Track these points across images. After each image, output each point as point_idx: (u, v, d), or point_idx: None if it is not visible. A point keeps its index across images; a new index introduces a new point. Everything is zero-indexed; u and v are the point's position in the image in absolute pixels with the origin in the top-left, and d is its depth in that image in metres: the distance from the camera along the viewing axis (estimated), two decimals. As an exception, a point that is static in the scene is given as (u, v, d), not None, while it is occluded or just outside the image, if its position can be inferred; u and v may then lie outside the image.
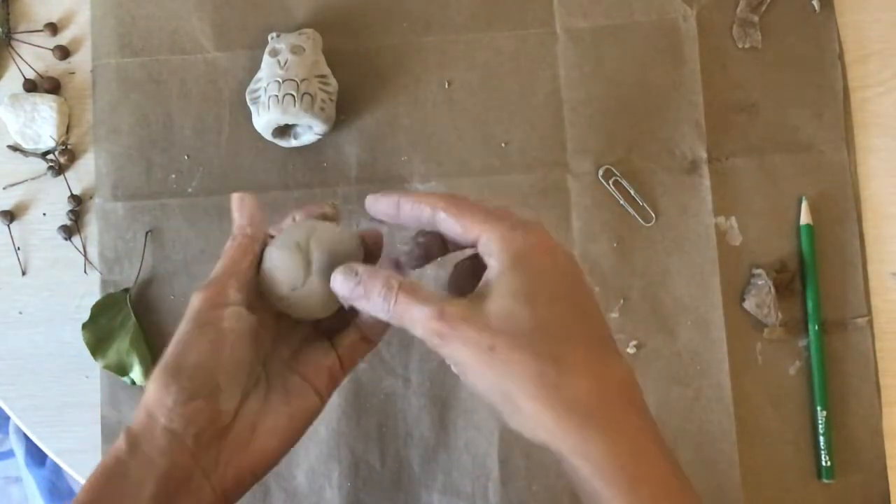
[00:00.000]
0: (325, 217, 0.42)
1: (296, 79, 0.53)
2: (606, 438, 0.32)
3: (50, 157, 0.59)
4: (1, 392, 0.57)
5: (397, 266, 0.40)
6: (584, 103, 0.58)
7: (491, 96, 0.58)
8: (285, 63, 0.54)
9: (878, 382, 0.55)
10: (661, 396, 0.55)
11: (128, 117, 0.58)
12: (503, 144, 0.58)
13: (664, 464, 0.33)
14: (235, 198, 0.42)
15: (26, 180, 0.59)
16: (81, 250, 0.58)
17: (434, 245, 0.39)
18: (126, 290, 0.57)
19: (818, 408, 0.54)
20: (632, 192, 0.57)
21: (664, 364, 0.55)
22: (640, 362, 0.56)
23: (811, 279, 0.56)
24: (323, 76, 0.55)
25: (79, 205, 0.58)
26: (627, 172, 0.57)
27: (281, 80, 0.53)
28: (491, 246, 0.35)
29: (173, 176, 0.58)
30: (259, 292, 0.39)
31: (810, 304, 0.55)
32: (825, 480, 0.54)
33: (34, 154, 0.59)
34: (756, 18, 0.58)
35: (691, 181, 0.57)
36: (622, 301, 0.56)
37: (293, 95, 0.53)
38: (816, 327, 0.55)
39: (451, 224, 0.36)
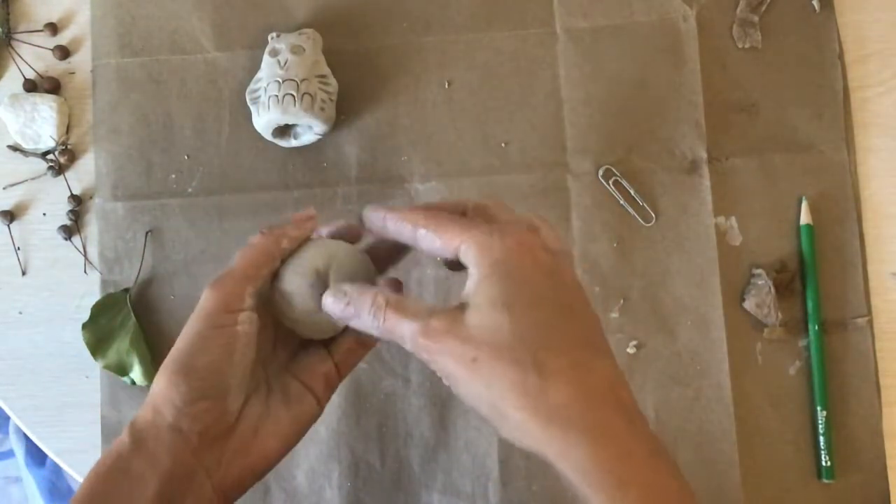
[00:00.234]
0: (351, 232, 0.42)
1: (296, 79, 0.53)
2: (591, 443, 0.31)
3: (50, 157, 0.59)
4: (1, 392, 0.57)
5: (396, 284, 0.41)
6: (584, 103, 0.58)
7: (491, 96, 0.58)
8: (285, 63, 0.54)
9: (878, 382, 0.55)
10: (661, 396, 0.55)
11: (128, 117, 0.58)
12: (503, 144, 0.58)
13: (654, 464, 0.32)
14: (297, 215, 0.41)
15: (26, 180, 0.59)
16: (81, 250, 0.58)
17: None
18: (126, 290, 0.57)
19: (818, 408, 0.54)
20: (632, 192, 0.57)
21: (664, 364, 0.55)
22: (640, 362, 0.56)
23: (811, 279, 0.56)
24: (323, 76, 0.55)
25: (79, 205, 0.58)
26: (627, 172, 0.57)
27: (281, 80, 0.53)
28: (470, 254, 0.35)
29: (173, 176, 0.58)
30: (266, 301, 0.40)
31: (810, 304, 0.55)
32: (825, 480, 0.54)
33: (34, 154, 0.59)
34: (756, 18, 0.58)
35: (691, 181, 0.57)
36: (622, 301, 0.56)
37: (293, 95, 0.53)
38: (816, 327, 0.55)
39: (431, 239, 0.36)
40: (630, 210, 0.57)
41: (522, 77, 0.58)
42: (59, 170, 0.59)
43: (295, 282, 0.39)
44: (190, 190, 0.58)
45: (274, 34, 0.57)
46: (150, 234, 0.57)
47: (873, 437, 0.55)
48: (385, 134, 0.58)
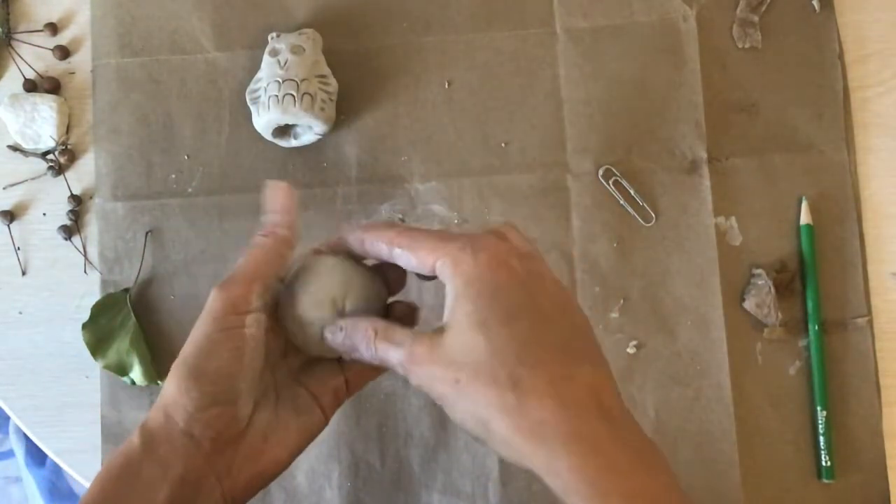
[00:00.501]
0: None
1: (296, 79, 0.53)
2: (572, 455, 0.31)
3: (50, 157, 0.59)
4: (1, 392, 0.57)
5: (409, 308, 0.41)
6: (584, 103, 0.58)
7: (491, 96, 0.58)
8: (285, 63, 0.54)
9: (878, 382, 0.55)
10: (661, 396, 0.55)
11: (128, 117, 0.58)
12: (503, 144, 0.58)
13: (639, 471, 0.32)
14: (271, 186, 0.40)
15: (26, 180, 0.59)
16: (81, 250, 0.58)
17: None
18: (126, 290, 0.57)
19: (818, 408, 0.54)
20: (632, 192, 0.57)
21: (664, 364, 0.55)
22: (640, 362, 0.56)
23: (811, 279, 0.56)
24: (323, 76, 0.55)
25: (79, 205, 0.58)
26: (627, 172, 0.57)
27: (281, 80, 0.53)
28: (445, 272, 0.35)
29: (173, 176, 0.58)
30: (278, 318, 0.39)
31: (810, 304, 0.55)
32: (825, 480, 0.54)
33: (34, 154, 0.59)
34: (756, 18, 0.58)
35: (691, 181, 0.57)
36: (622, 301, 0.56)
37: (293, 95, 0.53)
38: (816, 327, 0.55)
39: (407, 258, 0.36)
40: (630, 210, 0.57)
41: (522, 77, 0.58)
42: (59, 170, 0.59)
43: (311, 312, 0.38)
44: (190, 190, 0.58)
45: (274, 34, 0.57)
46: (150, 234, 0.57)
47: (873, 437, 0.55)
48: (385, 134, 0.58)
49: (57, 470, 0.87)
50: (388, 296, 0.41)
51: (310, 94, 0.53)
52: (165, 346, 0.56)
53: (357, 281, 0.39)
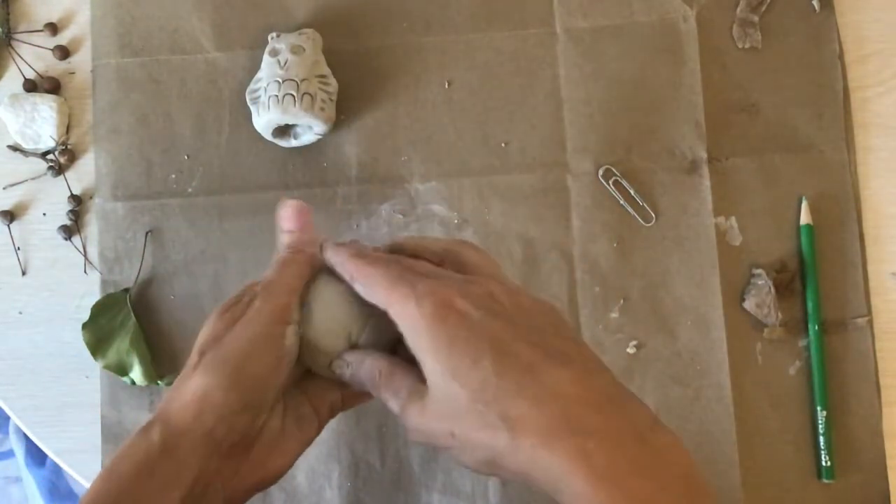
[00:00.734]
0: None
1: (296, 79, 0.53)
2: (566, 476, 0.31)
3: (50, 157, 0.59)
4: (1, 392, 0.57)
5: None
6: (584, 103, 0.58)
7: (491, 96, 0.58)
8: (285, 63, 0.54)
9: (878, 382, 0.55)
10: (661, 396, 0.55)
11: (128, 117, 0.58)
12: (503, 144, 0.58)
13: (627, 474, 0.31)
14: (289, 205, 0.41)
15: (26, 180, 0.59)
16: (81, 250, 0.58)
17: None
18: (126, 290, 0.57)
19: (818, 408, 0.54)
20: (632, 192, 0.57)
21: (664, 364, 0.55)
22: (640, 362, 0.56)
23: (811, 279, 0.56)
24: (323, 76, 0.55)
25: (79, 205, 0.58)
26: (627, 172, 0.57)
27: (281, 80, 0.53)
28: (398, 323, 0.35)
29: (173, 176, 0.58)
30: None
31: (810, 304, 0.55)
32: (825, 480, 0.54)
33: (34, 154, 0.59)
34: (756, 18, 0.58)
35: (691, 181, 0.57)
36: (622, 301, 0.56)
37: (293, 95, 0.53)
38: (816, 327, 0.55)
39: (366, 293, 0.37)
40: (630, 210, 0.57)
41: (522, 77, 0.58)
42: (59, 170, 0.59)
43: (324, 339, 0.39)
44: (190, 190, 0.58)
45: (274, 34, 0.57)
46: (150, 234, 0.57)
47: (873, 437, 0.55)
48: (385, 134, 0.58)
49: (57, 470, 0.87)
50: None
51: (310, 94, 0.53)
52: (165, 346, 0.56)
53: (370, 312, 0.39)
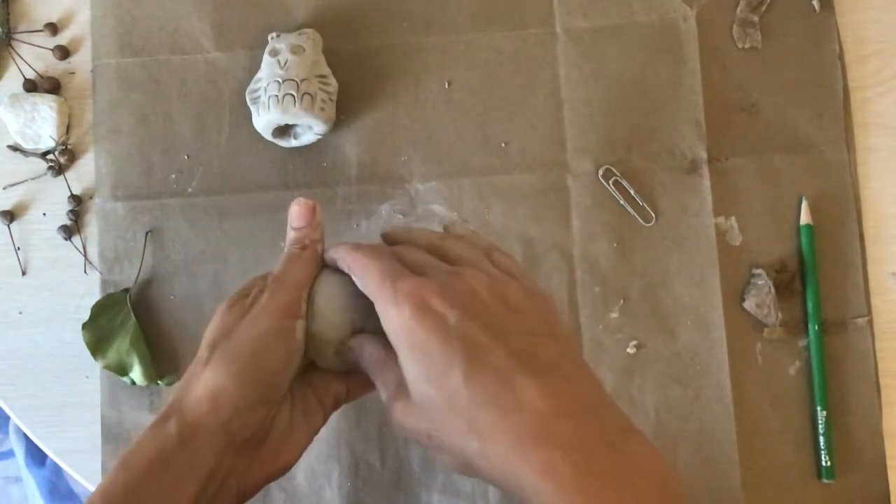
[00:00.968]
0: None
1: (296, 79, 0.53)
2: (536, 485, 0.31)
3: (50, 157, 0.59)
4: (1, 392, 0.57)
5: None
6: (584, 103, 0.58)
7: (491, 96, 0.58)
8: (285, 63, 0.54)
9: (878, 382, 0.55)
10: (661, 396, 0.55)
11: (128, 117, 0.58)
12: (503, 144, 0.58)
13: (591, 489, 0.31)
14: (301, 203, 0.41)
15: (26, 180, 0.59)
16: (81, 250, 0.58)
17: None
18: (126, 290, 0.57)
19: (818, 408, 0.54)
20: (632, 192, 0.57)
21: (664, 364, 0.55)
22: (640, 362, 0.56)
23: (811, 279, 0.56)
24: (323, 76, 0.55)
25: (79, 205, 0.58)
26: (627, 172, 0.57)
27: (281, 80, 0.53)
28: (381, 321, 0.35)
29: (173, 176, 0.58)
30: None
31: (810, 304, 0.55)
32: (825, 480, 0.54)
33: (34, 154, 0.59)
34: (756, 18, 0.58)
35: (691, 181, 0.57)
36: (622, 301, 0.56)
37: (293, 95, 0.53)
38: (816, 327, 0.55)
39: (360, 284, 0.37)
40: (630, 210, 0.57)
41: (522, 77, 0.58)
42: (59, 170, 0.59)
43: (332, 332, 0.39)
44: (190, 190, 0.58)
45: (274, 34, 0.57)
46: (150, 234, 0.57)
47: (873, 437, 0.55)
48: (385, 134, 0.58)
49: (57, 470, 0.87)
50: None
51: (310, 94, 0.53)
52: (165, 346, 0.56)
53: (373, 303, 0.39)
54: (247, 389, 0.36)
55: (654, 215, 0.57)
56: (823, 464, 0.54)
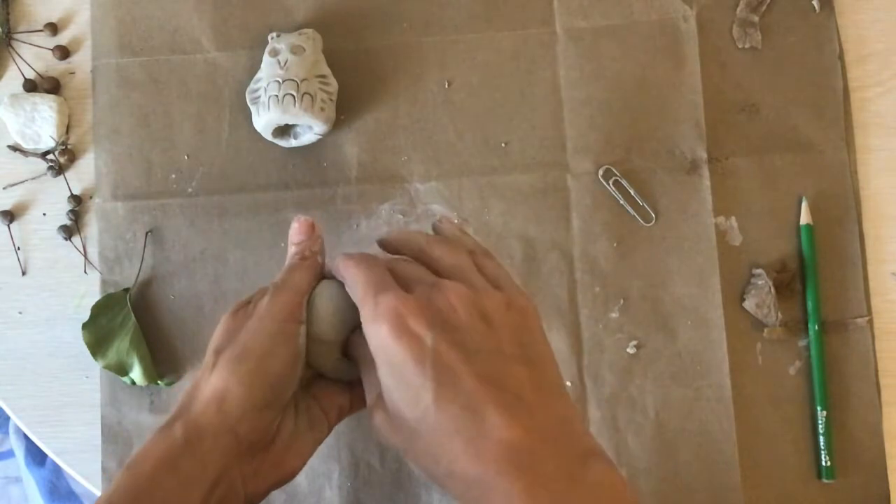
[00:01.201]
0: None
1: (296, 79, 0.53)
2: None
3: (50, 157, 0.59)
4: (1, 392, 0.57)
5: None
6: (584, 103, 0.58)
7: (491, 96, 0.58)
8: (285, 63, 0.54)
9: (878, 382, 0.55)
10: (661, 396, 0.55)
11: (128, 117, 0.58)
12: (503, 144, 0.58)
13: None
14: (301, 220, 0.43)
15: (26, 180, 0.59)
16: (81, 250, 0.58)
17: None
18: (126, 290, 0.57)
19: (818, 408, 0.54)
20: (632, 192, 0.57)
21: (664, 364, 0.55)
22: (640, 362, 0.56)
23: (811, 279, 0.56)
24: (323, 76, 0.55)
25: (79, 205, 0.58)
26: (627, 172, 0.57)
27: (281, 80, 0.53)
28: (364, 333, 0.36)
29: (173, 176, 0.58)
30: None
31: (810, 304, 0.55)
32: (825, 480, 0.54)
33: (34, 154, 0.59)
34: (756, 18, 0.58)
35: (691, 181, 0.57)
36: (622, 301, 0.56)
37: (293, 95, 0.53)
38: (816, 327, 0.55)
39: (350, 293, 0.38)
40: (630, 210, 0.57)
41: (522, 77, 0.58)
42: (59, 170, 0.59)
43: (331, 335, 0.40)
44: (190, 190, 0.58)
45: (274, 34, 0.57)
46: (150, 234, 0.57)
47: (873, 437, 0.55)
48: (385, 134, 0.58)
49: (57, 470, 0.87)
50: None
51: (310, 94, 0.53)
52: (165, 346, 0.56)
53: None
54: (253, 392, 0.36)
55: (654, 215, 0.57)
56: (823, 464, 0.54)
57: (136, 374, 0.55)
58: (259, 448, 0.37)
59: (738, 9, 0.58)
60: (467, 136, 0.58)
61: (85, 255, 0.58)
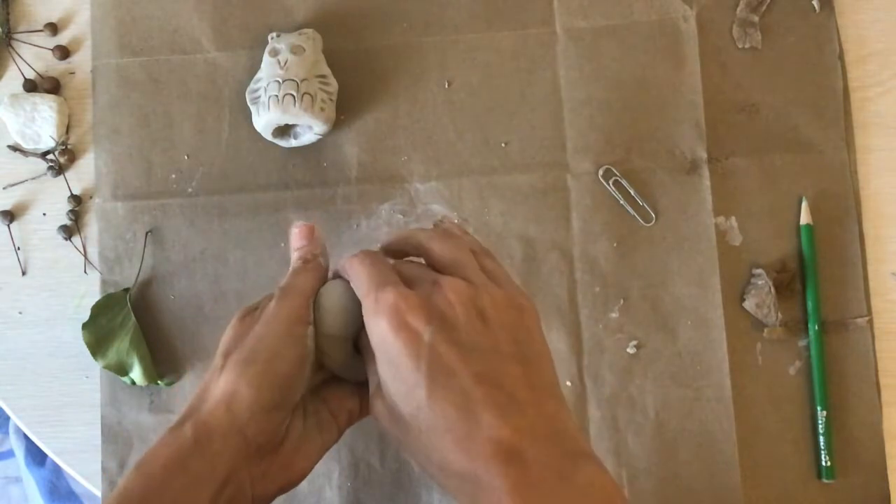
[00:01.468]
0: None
1: (296, 79, 0.53)
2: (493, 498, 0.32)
3: (50, 157, 0.59)
4: (1, 392, 0.57)
5: None
6: (584, 103, 0.58)
7: (491, 96, 0.58)
8: (285, 63, 0.54)
9: (878, 382, 0.55)
10: (661, 396, 0.55)
11: (128, 117, 0.58)
12: (503, 144, 0.58)
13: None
14: (301, 226, 0.43)
15: (26, 180, 0.59)
16: (81, 250, 0.58)
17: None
18: (126, 290, 0.57)
19: (818, 408, 0.54)
20: (632, 192, 0.57)
21: (664, 364, 0.55)
22: (640, 362, 0.56)
23: (811, 279, 0.56)
24: (323, 76, 0.55)
25: (79, 205, 0.58)
26: (627, 172, 0.57)
27: (281, 80, 0.53)
28: (367, 329, 0.36)
29: (173, 176, 0.58)
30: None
31: (810, 304, 0.55)
32: (825, 480, 0.54)
33: (34, 154, 0.59)
34: (756, 18, 0.58)
35: (691, 181, 0.57)
36: (622, 301, 0.56)
37: (293, 95, 0.53)
38: (816, 327, 0.55)
39: (355, 289, 0.38)
40: (630, 210, 0.57)
41: (522, 77, 0.58)
42: (59, 170, 0.59)
43: (340, 330, 0.40)
44: (190, 190, 0.58)
45: (274, 34, 0.57)
46: (150, 234, 0.57)
47: (873, 437, 0.55)
48: (385, 134, 0.58)
49: (57, 470, 0.87)
50: None
51: (310, 94, 0.53)
52: (165, 346, 0.56)
53: None
54: (262, 393, 0.36)
55: (654, 215, 0.57)
56: (823, 464, 0.54)
57: (136, 374, 0.55)
58: (268, 450, 0.37)
59: (738, 9, 0.58)
60: (467, 136, 0.58)
61: (85, 255, 0.58)
